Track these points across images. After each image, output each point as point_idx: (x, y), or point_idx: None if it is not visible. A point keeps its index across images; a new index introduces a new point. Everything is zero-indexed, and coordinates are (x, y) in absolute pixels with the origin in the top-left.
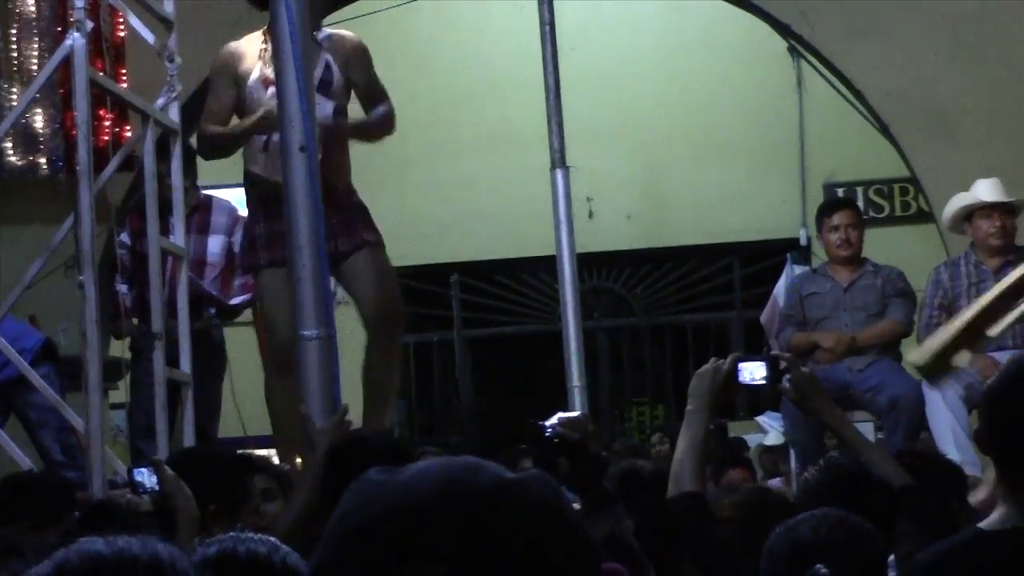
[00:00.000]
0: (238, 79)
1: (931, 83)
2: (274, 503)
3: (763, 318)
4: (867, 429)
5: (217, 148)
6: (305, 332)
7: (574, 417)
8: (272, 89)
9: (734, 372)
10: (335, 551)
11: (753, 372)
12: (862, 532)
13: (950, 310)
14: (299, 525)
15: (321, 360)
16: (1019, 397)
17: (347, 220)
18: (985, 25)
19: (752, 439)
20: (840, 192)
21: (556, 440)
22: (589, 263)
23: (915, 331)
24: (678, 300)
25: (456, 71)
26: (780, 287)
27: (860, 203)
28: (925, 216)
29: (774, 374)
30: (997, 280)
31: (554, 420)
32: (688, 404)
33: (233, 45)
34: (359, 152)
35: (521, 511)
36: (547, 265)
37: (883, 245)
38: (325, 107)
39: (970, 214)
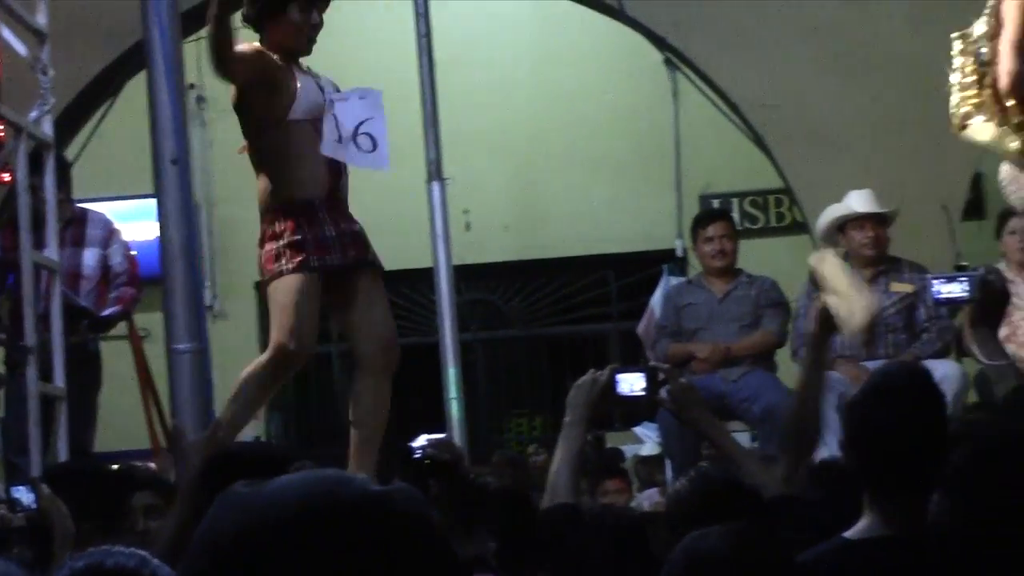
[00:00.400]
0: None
1: (805, 95)
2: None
3: (640, 329)
4: (742, 439)
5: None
6: (178, 345)
7: (440, 439)
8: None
9: (612, 384)
10: (200, 565)
11: (632, 383)
12: (768, 548)
13: None
14: (177, 540)
15: (193, 373)
16: (880, 409)
17: (359, 232)
18: (859, 37)
19: (629, 449)
20: (715, 203)
21: (427, 462)
22: (466, 275)
23: (788, 341)
24: (556, 311)
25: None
26: (656, 298)
27: (735, 214)
28: (800, 227)
29: (653, 385)
30: (871, 290)
31: (422, 442)
32: (566, 415)
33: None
34: (231, 166)
35: (387, 524)
36: (424, 277)
37: (758, 256)
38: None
39: (843, 225)
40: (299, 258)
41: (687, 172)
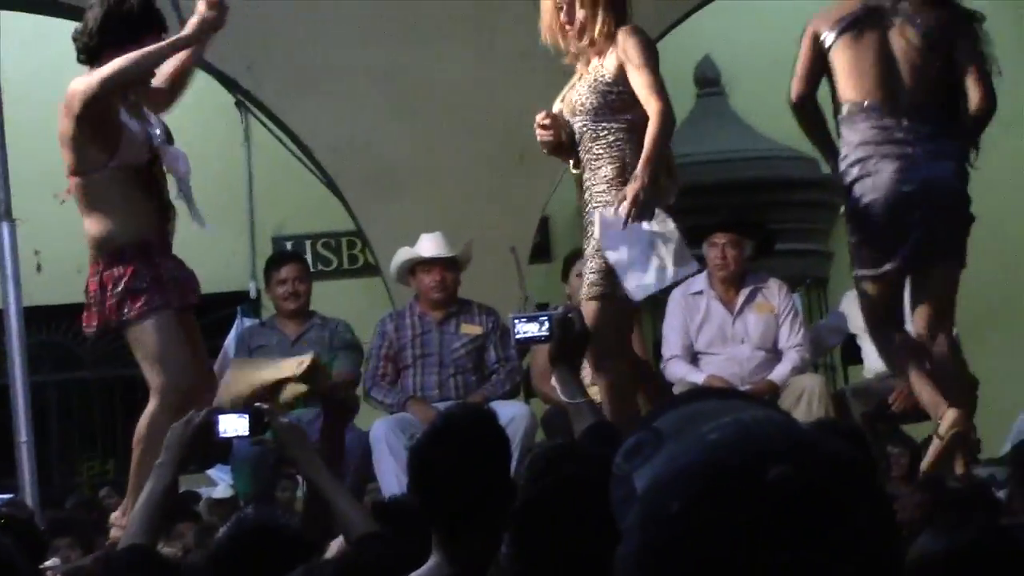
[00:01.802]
0: None
1: (374, 138)
2: None
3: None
4: None
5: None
6: None
7: (12, 498)
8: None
9: (211, 425)
10: None
11: (232, 425)
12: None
13: (396, 360)
14: None
15: None
16: (443, 451)
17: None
18: (424, 80)
19: (203, 492)
20: (289, 245)
21: (1, 521)
22: (38, 316)
23: (362, 382)
24: (130, 353)
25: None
26: (230, 340)
27: (309, 256)
28: (372, 269)
29: (256, 426)
30: (440, 331)
31: None
32: (160, 456)
33: None
34: None
35: None
36: None
37: (331, 298)
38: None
39: (414, 267)
40: (142, 300)
41: (260, 214)
